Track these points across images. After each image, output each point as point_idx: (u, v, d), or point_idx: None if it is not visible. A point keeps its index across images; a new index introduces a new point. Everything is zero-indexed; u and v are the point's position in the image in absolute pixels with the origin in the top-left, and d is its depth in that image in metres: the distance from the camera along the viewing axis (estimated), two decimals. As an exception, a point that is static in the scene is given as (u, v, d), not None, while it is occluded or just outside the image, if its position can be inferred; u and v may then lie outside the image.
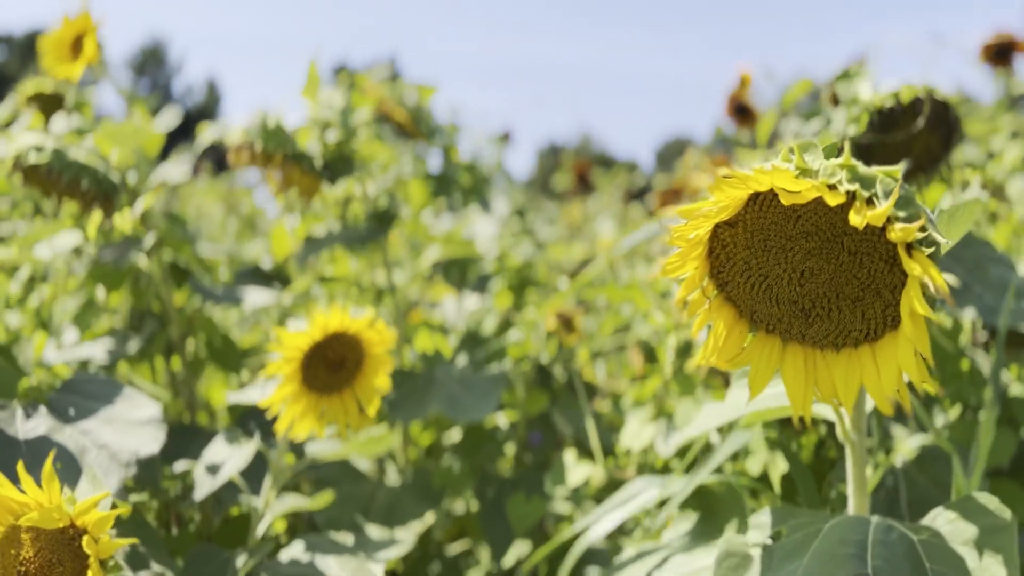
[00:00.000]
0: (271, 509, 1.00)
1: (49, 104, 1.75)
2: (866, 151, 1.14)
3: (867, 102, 1.11)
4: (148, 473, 0.87)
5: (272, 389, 0.95)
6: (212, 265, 1.60)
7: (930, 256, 0.50)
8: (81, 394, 0.92)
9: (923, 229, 0.49)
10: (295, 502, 1.01)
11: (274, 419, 0.96)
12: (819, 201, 0.52)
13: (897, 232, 0.47)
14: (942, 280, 0.46)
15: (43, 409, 0.90)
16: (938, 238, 0.48)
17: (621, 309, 1.85)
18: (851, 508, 0.77)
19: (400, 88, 2.08)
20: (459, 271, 2.14)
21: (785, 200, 0.49)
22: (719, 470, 1.29)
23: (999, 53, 2.60)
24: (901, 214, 0.48)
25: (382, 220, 1.46)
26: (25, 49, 33.43)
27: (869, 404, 0.77)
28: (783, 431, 1.41)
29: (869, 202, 0.49)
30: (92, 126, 1.27)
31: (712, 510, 1.10)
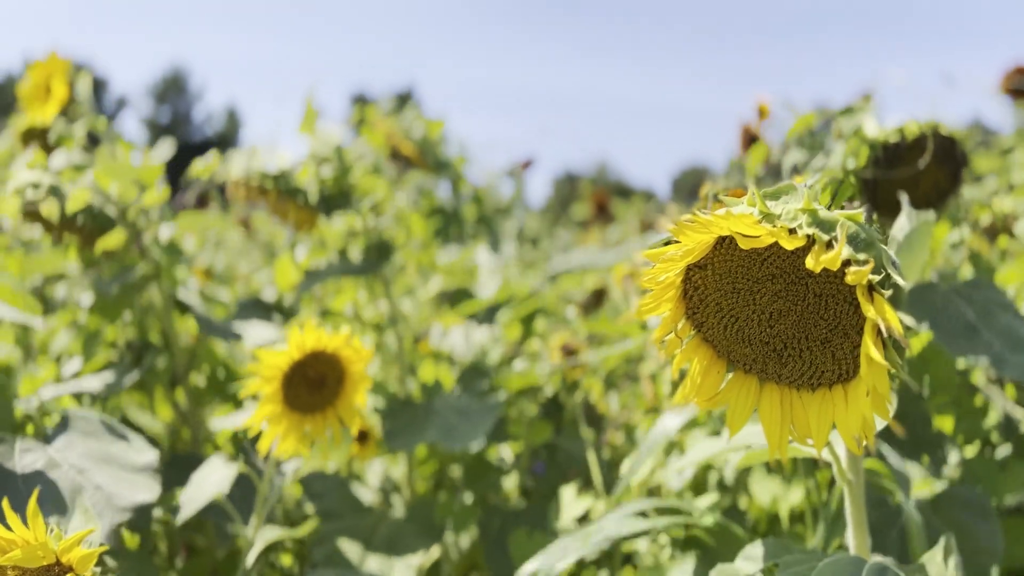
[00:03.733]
0: (260, 536, 1.00)
1: (45, 139, 1.79)
2: (873, 187, 1.14)
3: (871, 138, 1.11)
4: (141, 520, 0.87)
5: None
6: (213, 297, 1.62)
7: (893, 297, 0.50)
8: (79, 431, 0.93)
9: (881, 271, 0.49)
10: (283, 531, 1.01)
11: (241, 424, 0.96)
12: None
13: (852, 275, 0.47)
14: (896, 322, 0.46)
15: (40, 445, 0.91)
16: (897, 280, 0.48)
17: (625, 342, 1.84)
18: (852, 548, 0.77)
19: (408, 121, 2.10)
20: (466, 302, 2.15)
21: (743, 244, 0.50)
22: (733, 505, 1.29)
23: (1018, 85, 2.59)
24: (860, 256, 0.49)
25: (380, 252, 1.47)
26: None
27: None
28: (802, 465, 1.40)
29: (828, 245, 0.49)
30: (90, 162, 1.29)
31: (714, 551, 1.09)
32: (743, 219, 0.49)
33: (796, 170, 1.17)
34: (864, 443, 0.54)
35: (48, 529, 0.69)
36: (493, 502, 1.67)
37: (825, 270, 0.50)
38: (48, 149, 1.51)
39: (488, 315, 2.05)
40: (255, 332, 1.50)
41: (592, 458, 1.45)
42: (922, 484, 1.13)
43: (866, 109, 1.18)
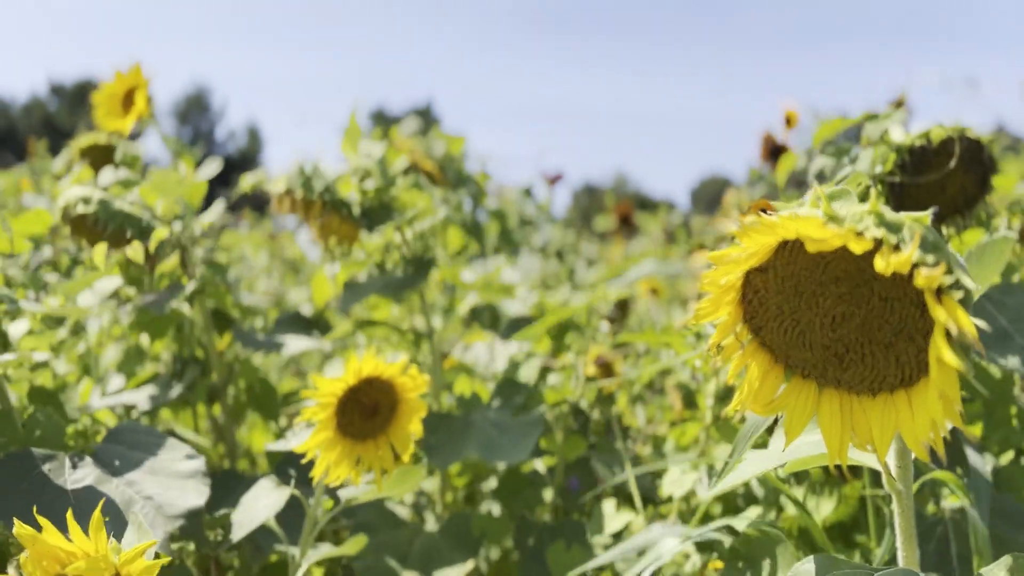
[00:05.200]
0: (307, 557, 1.00)
1: (101, 156, 1.81)
2: (899, 193, 1.13)
3: (897, 142, 1.11)
4: (193, 526, 0.88)
5: (308, 435, 0.96)
6: (252, 311, 1.63)
7: (961, 301, 0.50)
8: (126, 444, 0.94)
9: (951, 273, 0.49)
10: (329, 550, 1.01)
11: (312, 464, 0.96)
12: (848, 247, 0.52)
13: (923, 278, 0.47)
14: (971, 326, 0.46)
15: (89, 460, 0.92)
16: (967, 283, 0.48)
17: (659, 354, 1.84)
18: (900, 561, 0.76)
19: (429, 139, 2.12)
20: (491, 315, 2.15)
21: (811, 248, 0.50)
22: (762, 518, 1.28)
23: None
24: (929, 259, 0.48)
25: (420, 267, 1.48)
26: (75, 99, 34.59)
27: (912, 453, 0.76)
28: (829, 477, 1.39)
29: (896, 248, 0.49)
30: (138, 178, 1.32)
31: (754, 558, 1.08)
32: (811, 221, 0.49)
33: (822, 176, 1.16)
34: (932, 449, 0.54)
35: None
36: (526, 516, 1.67)
37: (892, 272, 0.50)
38: (100, 166, 1.53)
39: (514, 327, 2.05)
40: (294, 344, 1.51)
41: (630, 472, 1.45)
42: (952, 495, 1.12)
43: (893, 115, 1.17)
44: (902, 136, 1.12)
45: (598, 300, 2.43)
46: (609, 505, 1.43)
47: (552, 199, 2.96)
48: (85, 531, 0.69)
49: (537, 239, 3.16)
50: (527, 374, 1.89)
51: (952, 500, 1.13)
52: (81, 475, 0.91)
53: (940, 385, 0.50)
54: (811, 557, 0.76)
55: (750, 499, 1.37)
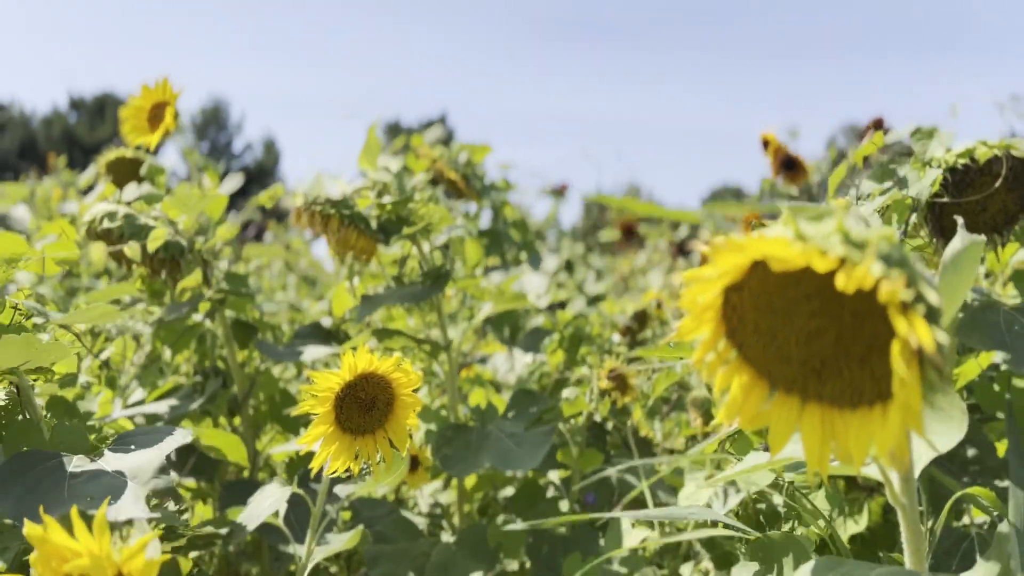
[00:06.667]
0: (312, 555, 1.03)
1: (126, 169, 1.85)
2: (939, 212, 1.11)
3: (940, 159, 1.09)
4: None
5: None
6: (273, 325, 1.66)
7: (927, 315, 0.51)
8: (137, 444, 0.96)
9: (912, 287, 0.50)
10: (334, 545, 1.04)
11: (297, 441, 0.99)
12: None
13: (884, 292, 0.49)
14: (928, 337, 0.47)
15: (91, 458, 0.94)
16: (931, 297, 0.50)
17: (674, 367, 1.85)
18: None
19: (452, 149, 2.14)
20: (509, 325, 2.17)
21: (775, 267, 0.51)
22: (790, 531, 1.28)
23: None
24: (893, 274, 0.50)
25: (437, 278, 1.50)
26: (95, 112, 35.15)
27: (918, 466, 0.77)
28: (850, 491, 1.38)
29: (860, 264, 0.50)
30: (161, 193, 1.35)
31: (774, 560, 1.09)
32: (778, 242, 0.51)
33: (860, 195, 1.15)
34: (903, 460, 0.55)
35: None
36: (542, 527, 1.68)
37: (860, 289, 0.52)
38: (135, 181, 1.57)
39: (531, 338, 2.07)
40: (312, 353, 1.54)
41: (646, 487, 1.46)
42: (978, 510, 1.11)
43: (936, 131, 1.16)
44: (944, 154, 1.10)
45: (614, 312, 2.44)
46: (626, 520, 1.43)
47: (557, 210, 2.97)
48: (81, 510, 0.71)
49: (544, 250, 3.17)
50: (541, 385, 1.91)
51: (978, 515, 1.13)
52: (81, 467, 0.91)
53: (901, 397, 0.52)
54: (814, 559, 0.78)
55: (772, 515, 1.37)
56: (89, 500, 0.84)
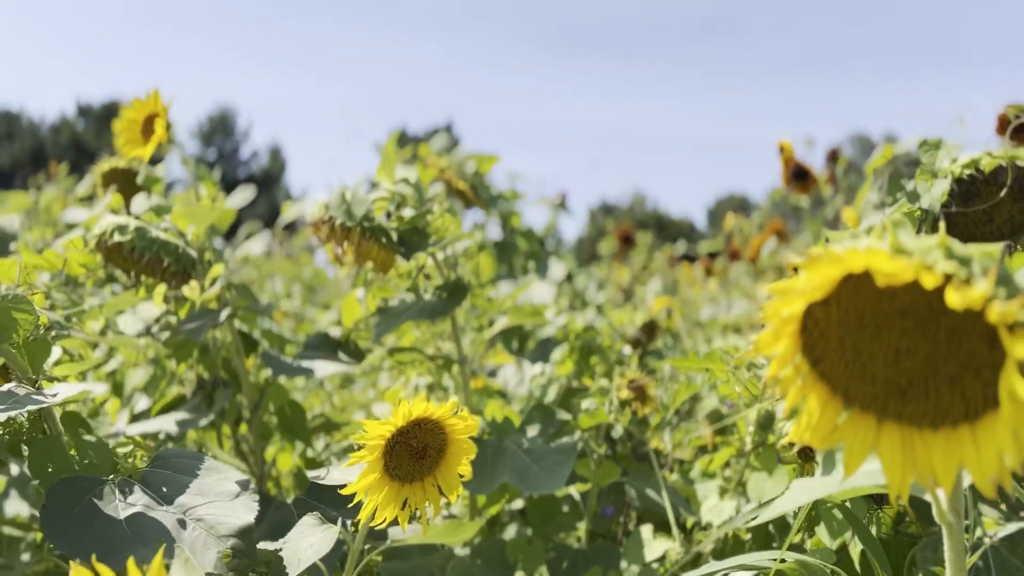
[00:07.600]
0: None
1: (122, 180, 1.81)
2: (945, 220, 1.11)
3: (946, 170, 1.09)
4: (245, 543, 0.88)
5: (354, 474, 0.95)
6: (279, 338, 1.63)
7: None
8: (172, 468, 0.94)
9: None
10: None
11: (342, 490, 0.95)
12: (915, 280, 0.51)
13: (997, 313, 0.46)
14: (1049, 362, 0.45)
15: (137, 487, 0.92)
16: (1041, 318, 0.47)
17: (694, 378, 1.83)
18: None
19: (460, 158, 2.12)
20: (518, 337, 2.15)
21: (880, 281, 0.49)
22: (799, 544, 1.26)
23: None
24: (1001, 292, 0.48)
25: (454, 291, 1.47)
26: (102, 119, 35.05)
27: (965, 483, 0.75)
28: (857, 506, 1.36)
29: (967, 282, 0.48)
30: (170, 205, 1.32)
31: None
32: (878, 254, 0.49)
33: (874, 206, 1.15)
34: (997, 485, 0.53)
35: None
36: (561, 542, 1.65)
37: (969, 307, 0.50)
38: (131, 190, 1.53)
39: (540, 350, 2.04)
40: (324, 369, 1.50)
41: (667, 499, 1.43)
42: (991, 523, 1.10)
43: (941, 144, 1.16)
44: (950, 164, 1.10)
45: (623, 322, 2.42)
46: (647, 531, 1.41)
47: (557, 219, 2.96)
48: (138, 558, 0.68)
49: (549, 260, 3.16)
50: (552, 397, 1.88)
51: (991, 527, 1.12)
52: (131, 501, 0.90)
53: (1012, 420, 0.49)
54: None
55: (783, 528, 1.35)
56: (147, 544, 0.82)
